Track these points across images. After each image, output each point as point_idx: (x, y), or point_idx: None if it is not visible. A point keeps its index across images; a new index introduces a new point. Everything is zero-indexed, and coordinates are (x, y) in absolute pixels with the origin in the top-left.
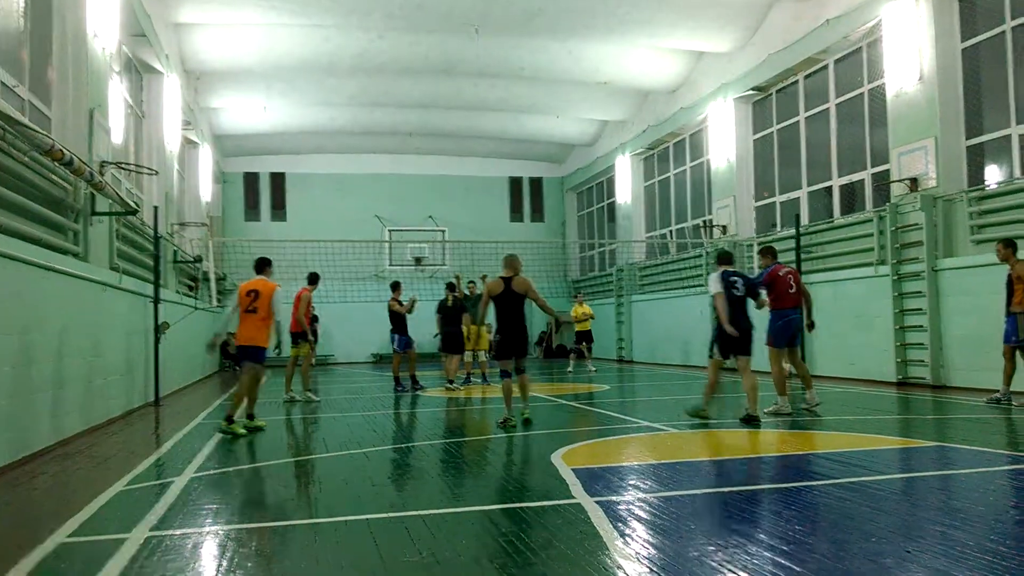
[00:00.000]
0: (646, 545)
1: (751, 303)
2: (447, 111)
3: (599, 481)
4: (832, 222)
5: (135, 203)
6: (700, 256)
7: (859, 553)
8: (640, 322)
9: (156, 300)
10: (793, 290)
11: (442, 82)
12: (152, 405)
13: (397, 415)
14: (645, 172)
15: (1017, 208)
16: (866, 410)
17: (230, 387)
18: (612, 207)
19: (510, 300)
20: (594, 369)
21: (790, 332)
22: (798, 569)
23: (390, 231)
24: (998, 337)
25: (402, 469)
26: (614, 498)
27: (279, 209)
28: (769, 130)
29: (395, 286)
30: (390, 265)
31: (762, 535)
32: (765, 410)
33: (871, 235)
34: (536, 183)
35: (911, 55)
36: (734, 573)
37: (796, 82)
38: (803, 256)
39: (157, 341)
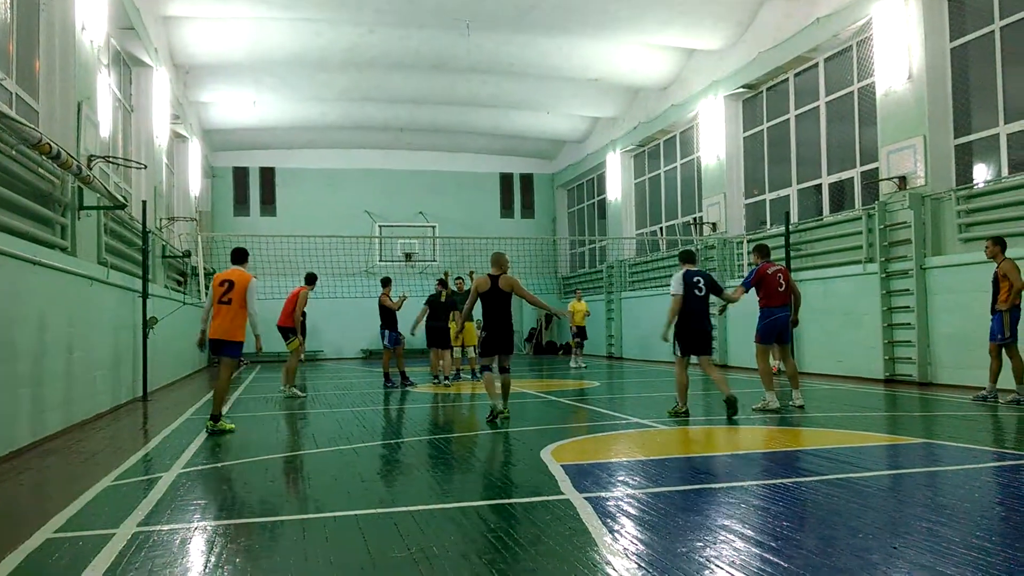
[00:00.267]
0: (634, 541)
1: (719, 301)
2: (438, 106)
3: (588, 477)
4: (821, 220)
5: (123, 197)
6: None
7: (846, 549)
8: (630, 318)
9: (144, 295)
10: (783, 288)
11: (433, 77)
12: (140, 400)
13: (387, 411)
14: (636, 169)
15: (1004, 207)
16: (854, 407)
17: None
18: (603, 204)
19: (496, 297)
20: (584, 366)
21: (777, 329)
22: (785, 565)
23: (380, 227)
24: (985, 335)
25: (391, 465)
26: (603, 494)
27: (268, 204)
28: (759, 128)
29: (386, 282)
30: (380, 261)
31: (750, 531)
32: (753, 406)
33: (860, 233)
34: (527, 179)
35: (900, 54)
36: (722, 569)
37: (786, 80)
38: (792, 254)
39: (145, 336)
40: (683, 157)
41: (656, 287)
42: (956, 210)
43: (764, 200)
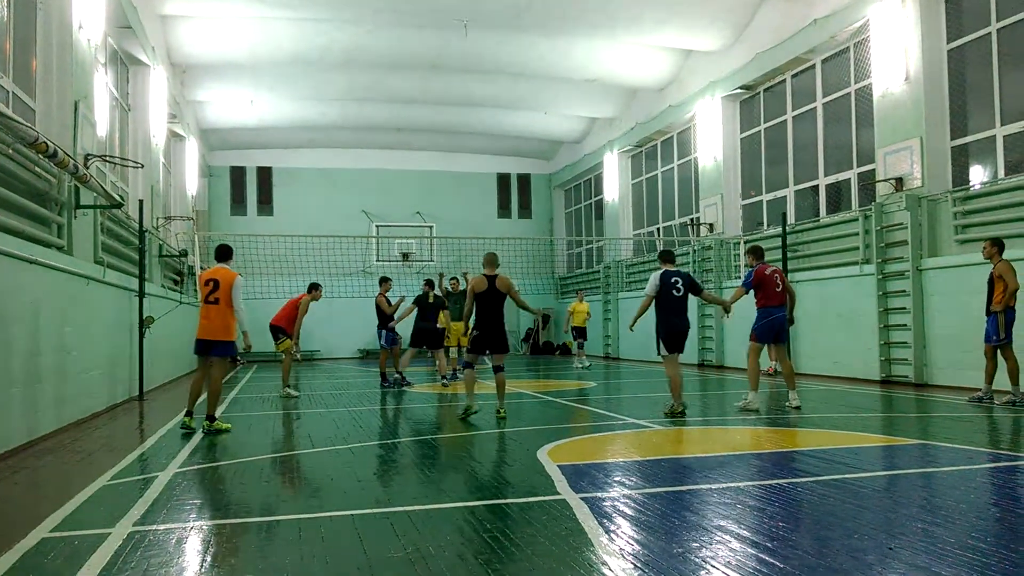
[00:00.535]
0: (631, 541)
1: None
2: (436, 107)
3: (584, 477)
4: (818, 221)
5: (120, 196)
6: (687, 255)
7: (841, 549)
8: (627, 319)
9: (141, 294)
10: (780, 288)
11: (431, 78)
12: (136, 400)
13: (383, 411)
14: (633, 169)
15: (1001, 208)
16: (849, 408)
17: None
18: (600, 204)
19: (492, 298)
20: (588, 365)
21: (775, 329)
22: (781, 565)
23: (377, 226)
24: (980, 336)
25: (388, 465)
26: (599, 494)
27: (266, 204)
28: (756, 129)
29: (383, 281)
30: (377, 261)
31: (746, 531)
32: (736, 404)
33: (856, 234)
34: (524, 180)
35: (897, 56)
36: (718, 569)
37: (784, 81)
38: (789, 255)
39: (142, 335)
40: (680, 158)
41: None
42: (952, 211)
43: (761, 201)
